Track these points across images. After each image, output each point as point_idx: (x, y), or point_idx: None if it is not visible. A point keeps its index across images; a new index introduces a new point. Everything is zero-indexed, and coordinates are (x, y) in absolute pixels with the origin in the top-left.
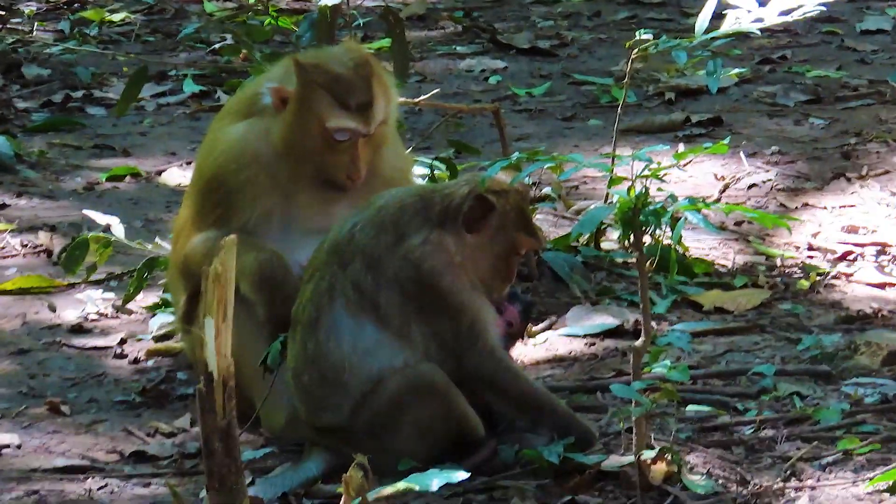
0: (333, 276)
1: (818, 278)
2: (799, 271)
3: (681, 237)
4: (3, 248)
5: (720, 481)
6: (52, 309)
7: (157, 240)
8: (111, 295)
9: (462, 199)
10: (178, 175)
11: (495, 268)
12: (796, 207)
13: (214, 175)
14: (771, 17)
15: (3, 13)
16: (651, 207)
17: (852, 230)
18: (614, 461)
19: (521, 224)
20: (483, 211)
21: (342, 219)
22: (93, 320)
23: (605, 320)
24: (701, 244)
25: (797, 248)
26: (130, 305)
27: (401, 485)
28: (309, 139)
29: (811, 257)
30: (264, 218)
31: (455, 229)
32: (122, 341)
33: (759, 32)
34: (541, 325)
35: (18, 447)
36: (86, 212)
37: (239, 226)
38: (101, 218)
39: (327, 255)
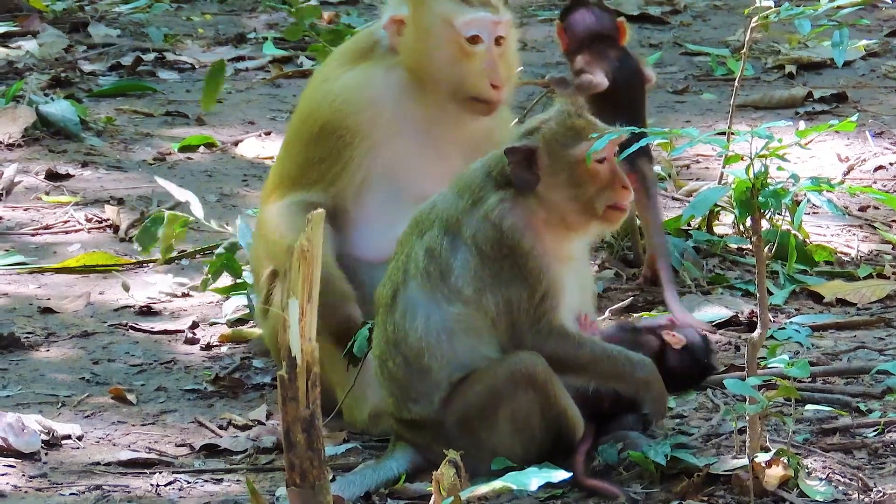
0: (411, 247)
1: None
2: None
3: (801, 222)
4: (66, 222)
5: (840, 488)
6: (126, 288)
7: (238, 221)
8: (182, 274)
9: (503, 160)
10: (256, 146)
11: (587, 190)
12: None
13: (329, 120)
14: None
15: None
16: (770, 188)
17: None
18: (726, 464)
19: (572, 139)
20: (527, 159)
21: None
22: (162, 302)
23: (718, 311)
24: (822, 230)
25: None
26: None
27: (497, 484)
28: (440, 49)
29: None
30: (377, 176)
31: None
32: (194, 325)
33: (889, 0)
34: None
35: (80, 438)
36: (161, 181)
37: (342, 187)
38: (177, 192)
39: (409, 228)
